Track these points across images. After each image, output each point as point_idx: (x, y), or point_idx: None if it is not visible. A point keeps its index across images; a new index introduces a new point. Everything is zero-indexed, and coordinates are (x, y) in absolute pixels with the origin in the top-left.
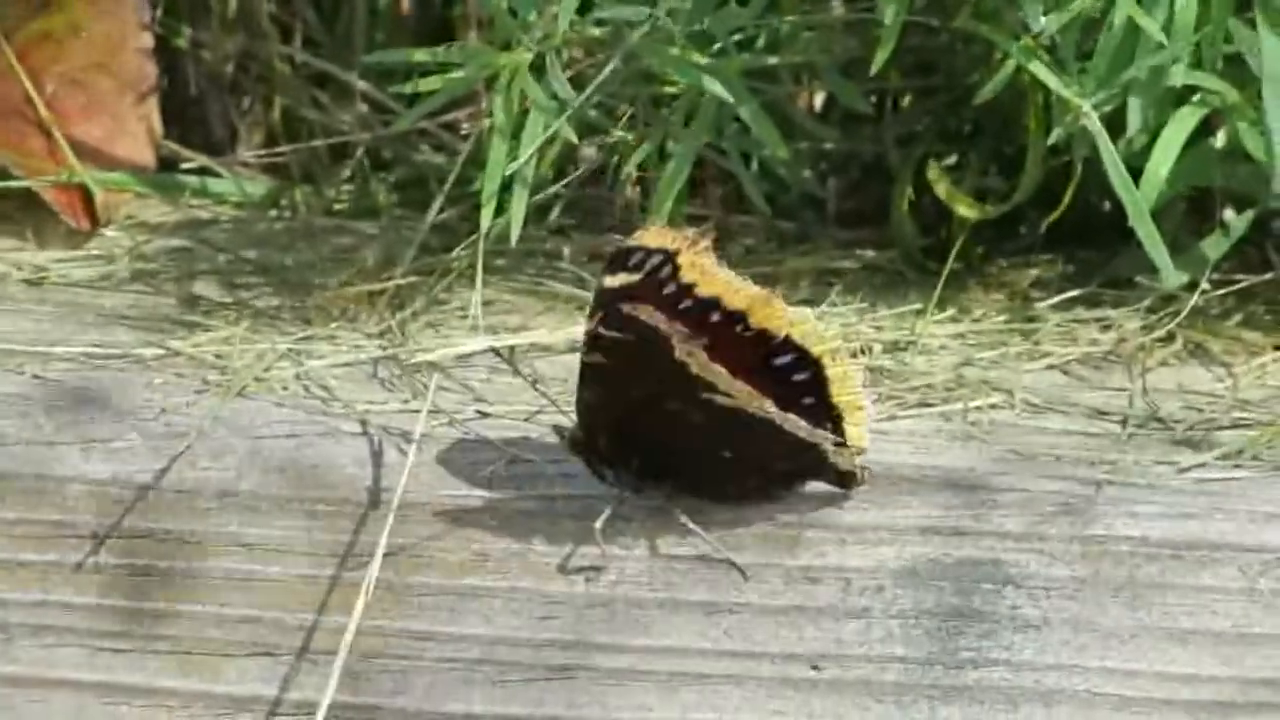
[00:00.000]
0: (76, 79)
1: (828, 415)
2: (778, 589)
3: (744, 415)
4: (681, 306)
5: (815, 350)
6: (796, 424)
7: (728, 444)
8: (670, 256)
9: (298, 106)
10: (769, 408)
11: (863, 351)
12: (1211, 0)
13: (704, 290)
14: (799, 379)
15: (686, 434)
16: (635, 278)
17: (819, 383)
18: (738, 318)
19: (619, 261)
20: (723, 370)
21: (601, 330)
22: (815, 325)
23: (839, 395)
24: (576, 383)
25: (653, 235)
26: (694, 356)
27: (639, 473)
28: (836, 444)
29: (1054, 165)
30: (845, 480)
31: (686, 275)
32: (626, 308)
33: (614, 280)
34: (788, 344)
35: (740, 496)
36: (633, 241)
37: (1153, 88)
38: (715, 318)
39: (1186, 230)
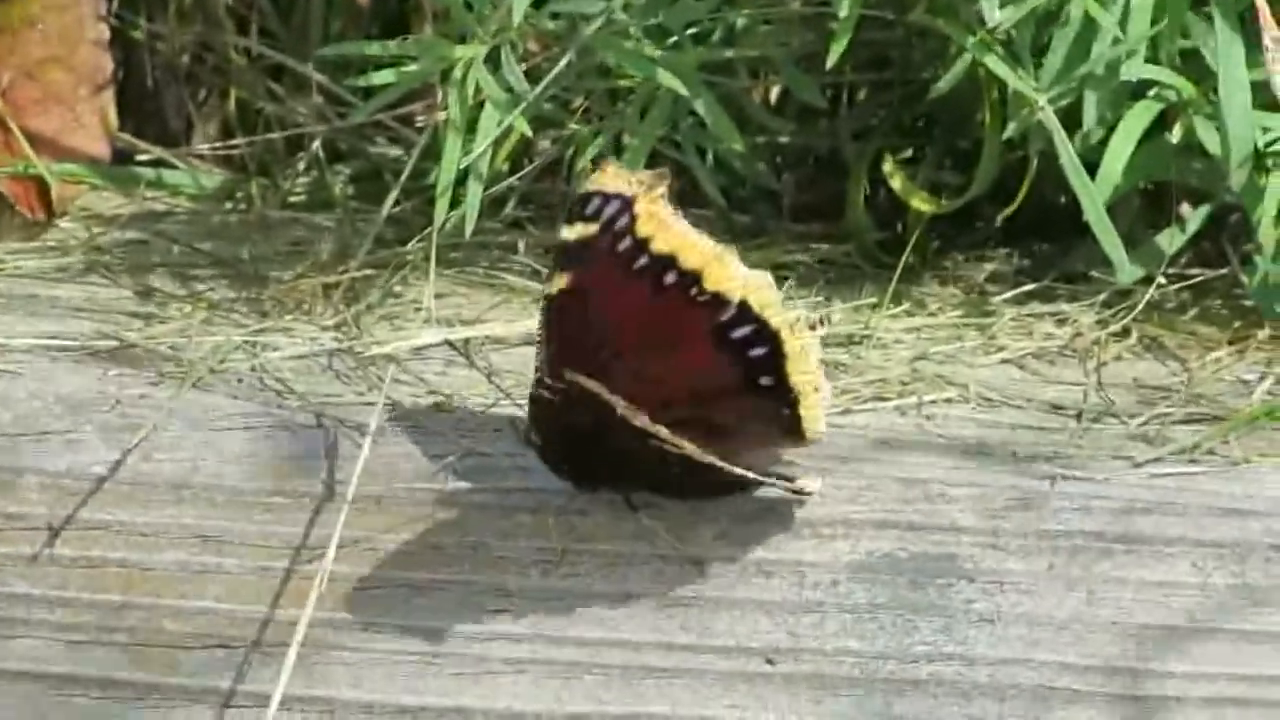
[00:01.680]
0: (31, 71)
1: (785, 399)
2: (732, 582)
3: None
4: (637, 266)
5: (775, 322)
6: (744, 474)
7: (678, 464)
8: (627, 204)
9: (253, 99)
10: (714, 460)
11: (821, 322)
12: None
13: (659, 246)
14: (756, 354)
15: (636, 454)
16: (593, 229)
17: (777, 358)
18: (692, 279)
19: (577, 209)
20: (663, 429)
21: (547, 382)
22: (774, 293)
23: (796, 374)
24: (528, 399)
25: (610, 178)
26: (635, 416)
27: (592, 475)
28: (787, 486)
29: (1009, 160)
30: (796, 493)
31: (642, 227)
32: (569, 374)
33: (572, 232)
34: (746, 313)
35: (693, 498)
36: (591, 186)
37: (1108, 82)
38: (670, 278)
39: (1142, 225)
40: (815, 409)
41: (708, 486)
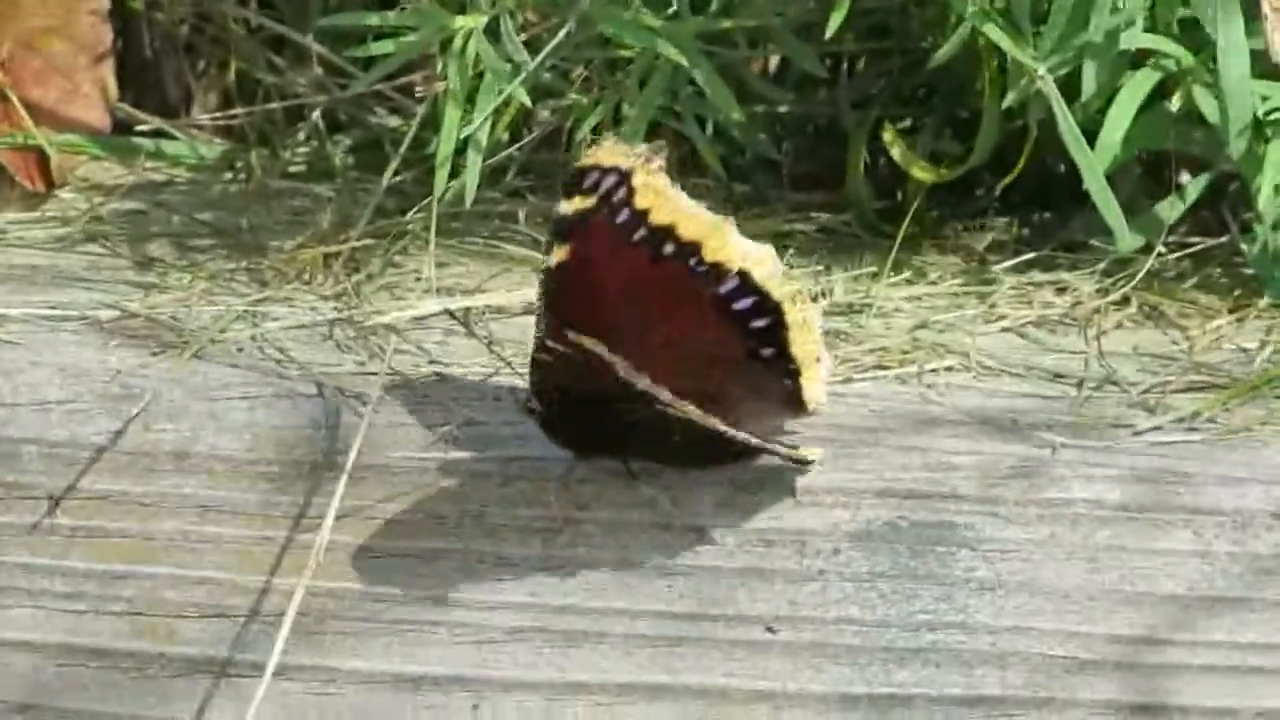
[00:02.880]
0: (31, 42)
1: (786, 370)
2: (732, 551)
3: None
4: (636, 238)
5: (776, 294)
6: (747, 438)
7: (679, 432)
8: (625, 177)
9: (253, 69)
10: (717, 424)
11: (823, 294)
12: None
13: (658, 218)
14: (758, 325)
15: (637, 420)
16: (590, 202)
17: (779, 329)
18: (691, 250)
19: (574, 184)
20: (665, 391)
21: (548, 343)
22: (775, 264)
23: (798, 345)
24: (529, 365)
25: (607, 153)
26: (637, 378)
27: (593, 445)
28: (787, 455)
29: (1009, 129)
30: (797, 463)
31: (640, 200)
32: (573, 337)
33: (569, 206)
34: (747, 285)
35: (693, 466)
36: (588, 160)
37: (1108, 51)
38: (669, 249)
39: (1142, 194)
40: (816, 380)
41: (708, 454)
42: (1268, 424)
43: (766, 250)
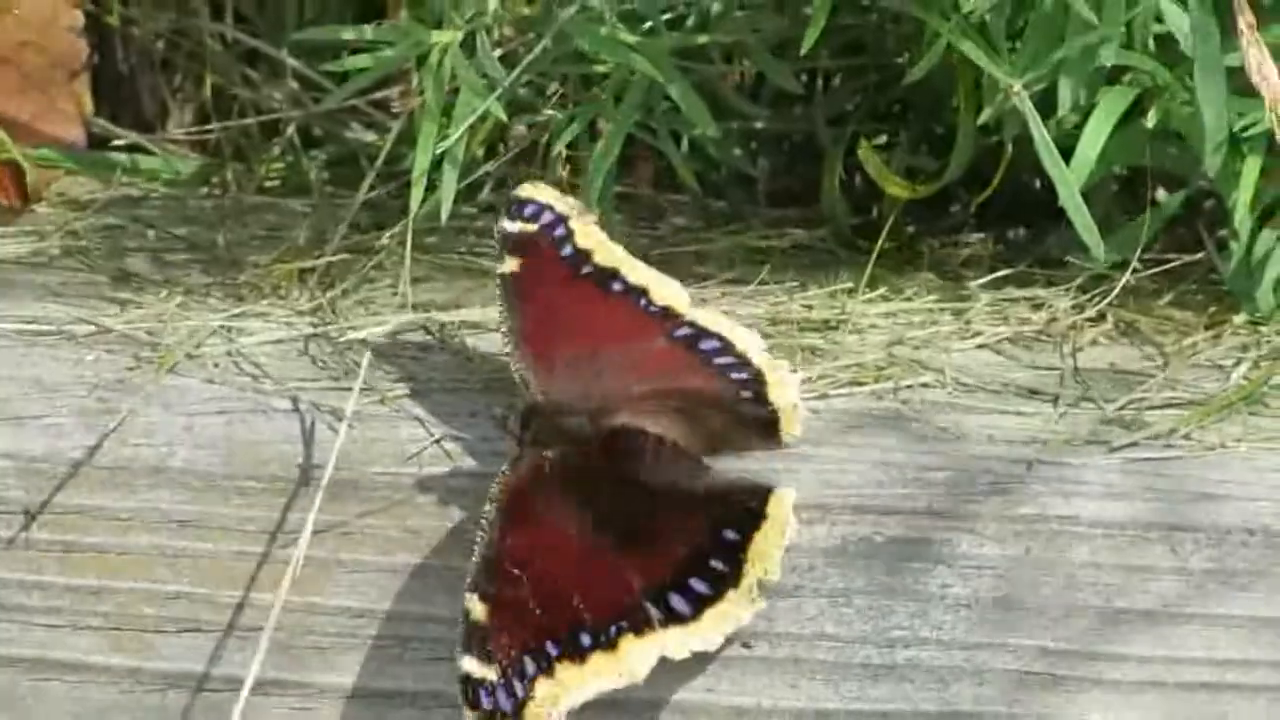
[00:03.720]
0: (7, 56)
1: (764, 413)
2: None
3: None
4: (583, 272)
5: (757, 361)
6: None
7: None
8: (562, 219)
9: (228, 84)
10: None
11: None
12: None
13: (601, 260)
14: (739, 378)
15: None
16: (532, 228)
17: (759, 386)
18: (639, 291)
19: (514, 210)
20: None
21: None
22: (757, 340)
23: (778, 399)
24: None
25: (541, 190)
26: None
27: None
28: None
29: (985, 145)
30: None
31: (581, 241)
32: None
33: (513, 226)
34: (704, 330)
35: None
36: (525, 192)
37: (1083, 67)
38: (617, 287)
39: (1118, 210)
40: (794, 421)
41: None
42: (1243, 440)
43: (756, 336)
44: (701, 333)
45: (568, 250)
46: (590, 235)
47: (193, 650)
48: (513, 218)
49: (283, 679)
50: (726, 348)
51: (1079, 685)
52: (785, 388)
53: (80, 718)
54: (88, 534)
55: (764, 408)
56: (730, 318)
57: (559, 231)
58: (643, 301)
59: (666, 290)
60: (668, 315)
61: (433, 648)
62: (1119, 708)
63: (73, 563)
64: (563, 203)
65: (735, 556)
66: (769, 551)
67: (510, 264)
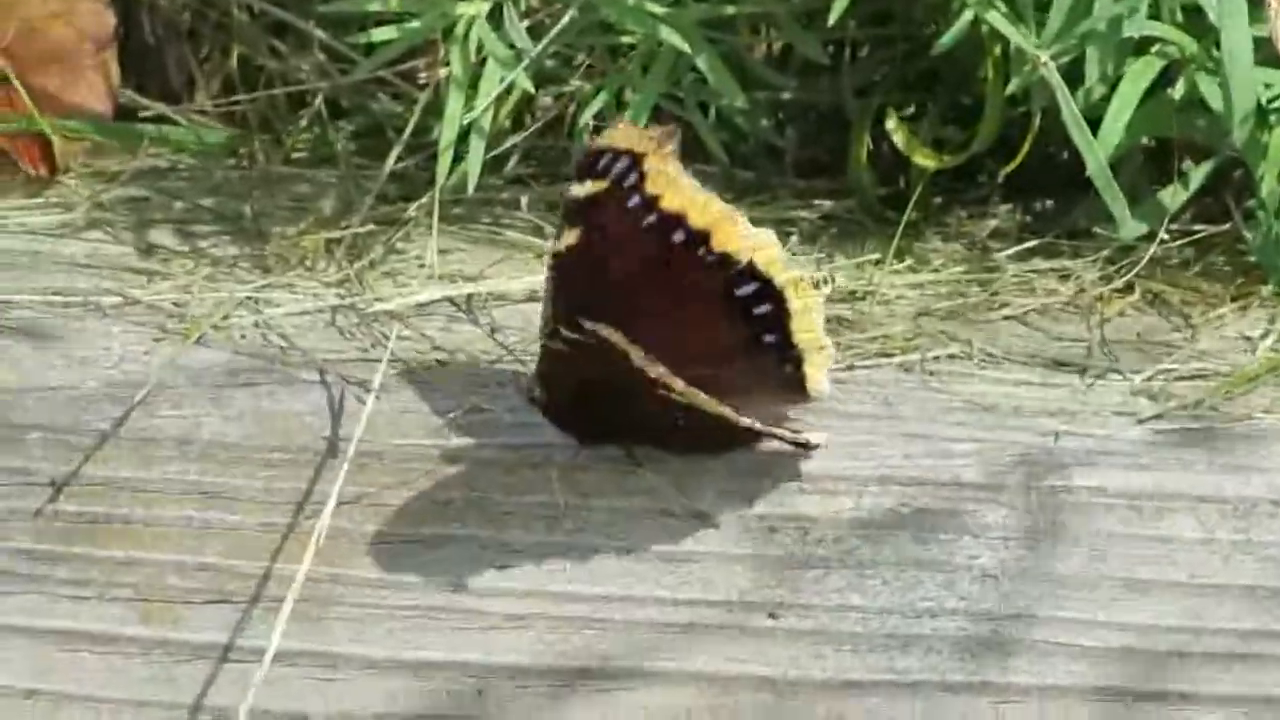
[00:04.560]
0: (35, 28)
1: (788, 357)
2: (736, 538)
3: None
4: (646, 223)
5: (779, 280)
6: (752, 424)
7: (684, 418)
8: (637, 161)
9: (255, 55)
10: (726, 411)
11: (825, 281)
12: None
13: (668, 204)
14: (761, 312)
15: (643, 407)
16: (602, 186)
17: (781, 316)
18: (700, 238)
19: (587, 166)
20: (679, 381)
21: (562, 332)
22: (779, 251)
23: (800, 333)
24: (538, 351)
25: (620, 135)
26: (652, 366)
27: (597, 430)
28: (791, 439)
29: (1012, 115)
30: (802, 446)
31: (651, 185)
32: (588, 325)
33: (581, 189)
34: (750, 272)
35: (698, 453)
36: (601, 142)
37: (1111, 38)
38: (679, 237)
39: (1145, 181)
40: (819, 367)
41: (712, 441)
42: (1270, 411)
43: (770, 237)
44: (747, 279)
45: (635, 201)
46: (663, 174)
47: (220, 621)
48: (583, 178)
49: (310, 650)
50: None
51: (1106, 656)
52: (819, 353)
53: (109, 688)
54: (115, 506)
55: (793, 365)
56: (786, 260)
57: (630, 180)
58: (700, 251)
59: (729, 230)
60: (724, 264)
61: (459, 618)
62: (1147, 678)
63: (100, 534)
64: (643, 140)
65: None
66: None
67: (567, 238)
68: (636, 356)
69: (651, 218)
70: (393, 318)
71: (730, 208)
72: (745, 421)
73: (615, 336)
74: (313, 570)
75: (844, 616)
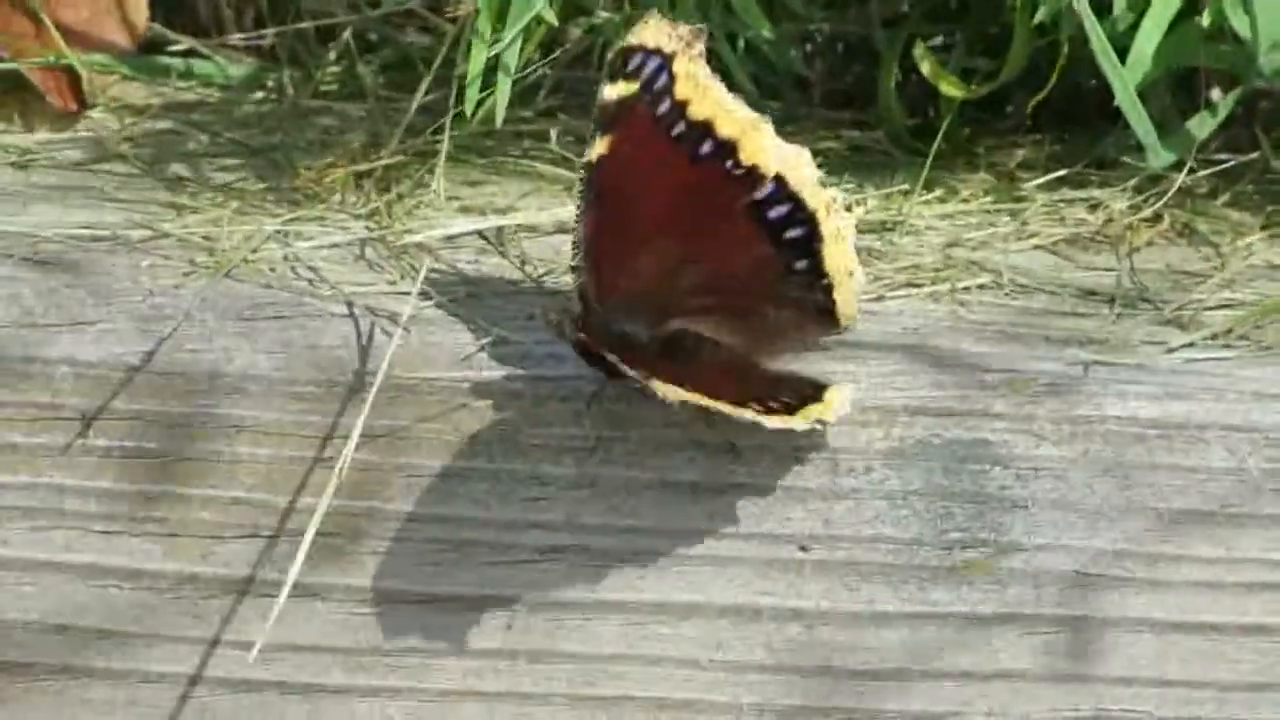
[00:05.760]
0: None
1: (819, 284)
2: (766, 469)
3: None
4: (675, 132)
5: (811, 203)
6: (757, 419)
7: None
8: (667, 61)
9: None
10: (735, 412)
11: (858, 204)
12: None
13: (697, 111)
14: (792, 236)
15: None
16: (633, 88)
17: (813, 241)
18: (728, 149)
19: (618, 66)
20: (685, 394)
21: (581, 338)
22: (811, 170)
23: (832, 259)
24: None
25: (650, 30)
26: (656, 386)
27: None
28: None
29: (1040, 45)
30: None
31: (681, 89)
32: (582, 341)
33: (613, 91)
34: (781, 191)
35: None
36: (633, 39)
37: None
38: (706, 148)
39: (1173, 110)
40: (850, 294)
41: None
42: None
43: (804, 155)
44: (777, 198)
45: (664, 107)
46: (692, 77)
47: (250, 555)
48: (614, 78)
49: (338, 583)
50: (805, 228)
51: (1137, 586)
52: (849, 279)
53: (140, 621)
54: (145, 440)
55: (822, 292)
56: (813, 177)
57: (660, 82)
58: (729, 164)
59: (757, 140)
60: (753, 178)
61: (489, 551)
62: (1176, 609)
63: (130, 469)
64: (672, 38)
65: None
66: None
67: (599, 147)
68: (641, 379)
69: (680, 126)
70: (422, 250)
71: (757, 115)
72: (750, 416)
73: (618, 363)
74: (343, 504)
75: (875, 548)
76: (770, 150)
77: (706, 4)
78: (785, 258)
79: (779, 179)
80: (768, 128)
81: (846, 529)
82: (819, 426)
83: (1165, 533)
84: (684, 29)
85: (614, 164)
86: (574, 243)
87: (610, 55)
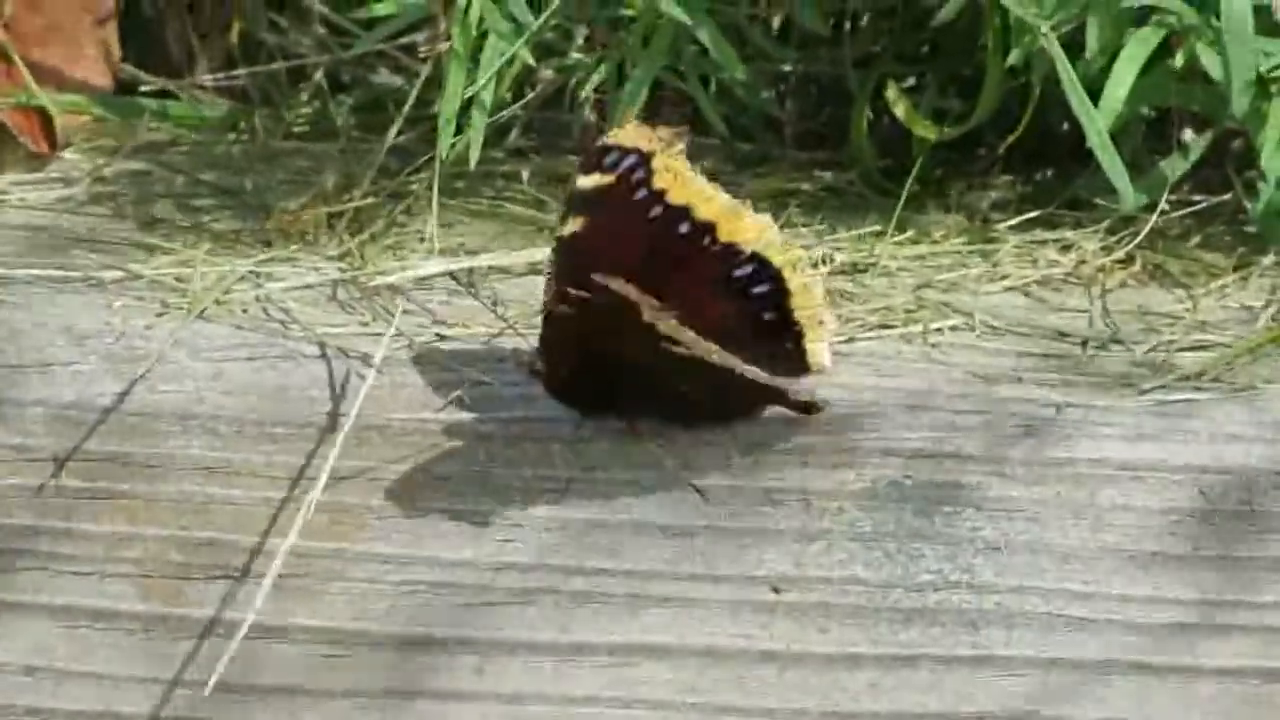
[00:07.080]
0: (34, 3)
1: (789, 332)
2: (738, 511)
3: (706, 363)
4: (651, 215)
5: (776, 261)
6: (756, 373)
7: (686, 380)
8: (645, 159)
9: (256, 29)
10: (730, 360)
11: (823, 262)
12: None
13: (675, 198)
14: (759, 291)
15: (647, 371)
16: (609, 179)
17: (780, 295)
18: (705, 229)
19: (593, 161)
20: (689, 331)
21: (572, 292)
22: (774, 233)
23: (800, 309)
24: (540, 322)
25: (628, 134)
26: (661, 320)
27: (599, 403)
28: (795, 398)
29: (1012, 87)
30: (805, 409)
31: (659, 180)
32: (598, 278)
33: (588, 181)
34: (749, 256)
35: (699, 421)
36: (609, 140)
37: (1111, 8)
38: (684, 228)
39: (1145, 151)
40: (820, 342)
41: (717, 409)
42: (1272, 382)
43: (767, 220)
44: (746, 267)
45: (642, 194)
46: (670, 170)
47: (221, 596)
48: (589, 170)
49: (312, 625)
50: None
51: (1109, 628)
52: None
53: (111, 664)
54: (117, 481)
55: (795, 345)
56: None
57: (638, 175)
58: (705, 242)
59: (735, 223)
60: (728, 254)
61: (463, 593)
62: (1152, 650)
63: (102, 510)
64: (652, 140)
65: None
66: None
67: (572, 225)
68: (648, 310)
69: (658, 209)
70: (394, 292)
71: (737, 202)
72: (751, 372)
73: (627, 289)
74: (315, 545)
75: (847, 590)
76: (749, 230)
77: (678, 44)
78: (755, 312)
79: (753, 253)
80: (748, 211)
81: (818, 570)
82: (824, 405)
83: (1137, 575)
84: (664, 131)
85: (587, 239)
86: (544, 308)
87: (587, 151)
